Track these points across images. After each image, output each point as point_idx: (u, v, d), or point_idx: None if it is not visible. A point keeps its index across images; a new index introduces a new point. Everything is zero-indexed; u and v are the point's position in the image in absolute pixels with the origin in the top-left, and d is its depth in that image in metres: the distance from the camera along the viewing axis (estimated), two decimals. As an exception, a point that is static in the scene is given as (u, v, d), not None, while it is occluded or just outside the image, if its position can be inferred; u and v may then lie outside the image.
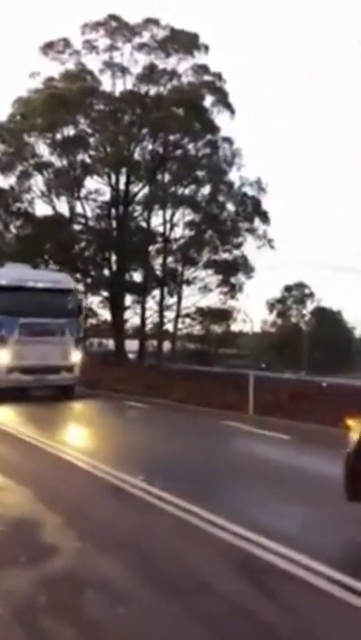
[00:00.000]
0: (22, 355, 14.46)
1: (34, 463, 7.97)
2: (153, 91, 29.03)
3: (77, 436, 10.73)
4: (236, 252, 30.58)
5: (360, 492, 4.82)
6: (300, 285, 53.49)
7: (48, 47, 29.36)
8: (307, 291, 53.91)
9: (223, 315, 32.10)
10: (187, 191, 30.31)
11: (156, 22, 28.84)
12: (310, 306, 55.32)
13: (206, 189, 30.52)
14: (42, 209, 31.52)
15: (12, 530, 5.04)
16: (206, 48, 29.10)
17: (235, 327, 34.34)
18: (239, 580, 4.03)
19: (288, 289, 52.66)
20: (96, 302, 34.76)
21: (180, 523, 5.18)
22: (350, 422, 5.14)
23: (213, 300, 31.56)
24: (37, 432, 9.64)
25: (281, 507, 5.95)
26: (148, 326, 32.64)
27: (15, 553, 4.36)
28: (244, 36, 68.96)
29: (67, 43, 29.41)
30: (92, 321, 41.77)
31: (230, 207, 30.49)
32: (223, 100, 29.28)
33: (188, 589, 3.85)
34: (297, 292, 54.10)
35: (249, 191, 30.24)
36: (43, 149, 29.76)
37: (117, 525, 5.18)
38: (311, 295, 53.91)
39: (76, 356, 15.64)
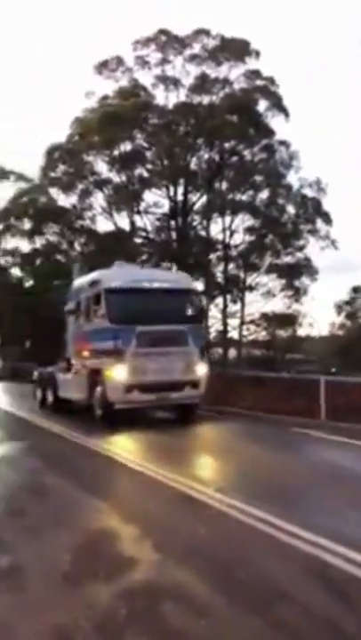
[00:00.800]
0: (142, 369, 12.23)
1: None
2: (206, 100, 29.21)
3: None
4: (299, 255, 30.21)
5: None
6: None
7: (102, 66, 30.14)
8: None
9: (288, 319, 31.70)
10: (245, 197, 30.22)
11: (206, 32, 29.07)
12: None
13: (265, 194, 30.34)
14: (103, 225, 32.35)
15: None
16: (257, 53, 29.06)
17: (301, 332, 33.85)
18: (319, 590, 3.97)
19: (356, 290, 51.23)
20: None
21: (256, 532, 5.16)
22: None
23: (278, 304, 31.27)
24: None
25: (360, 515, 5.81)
26: (213, 334, 32.68)
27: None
28: (295, 38, 68.23)
29: (120, 60, 30.09)
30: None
31: (290, 210, 30.18)
32: (277, 103, 29.09)
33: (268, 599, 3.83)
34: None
35: (309, 193, 29.88)
36: (101, 167, 30.52)
37: (197, 534, 5.20)
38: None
39: (201, 369, 13.16)
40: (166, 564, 4.40)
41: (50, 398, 16.64)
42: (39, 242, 35.01)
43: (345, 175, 70.89)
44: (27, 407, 17.30)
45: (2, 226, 35.96)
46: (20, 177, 35.35)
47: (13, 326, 33.51)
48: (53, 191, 31.65)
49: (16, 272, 40.39)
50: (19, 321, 35.47)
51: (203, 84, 28.85)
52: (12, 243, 37.09)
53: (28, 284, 38.66)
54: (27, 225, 33.92)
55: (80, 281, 15.63)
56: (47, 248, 34.53)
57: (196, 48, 29.16)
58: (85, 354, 13.83)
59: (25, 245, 36.33)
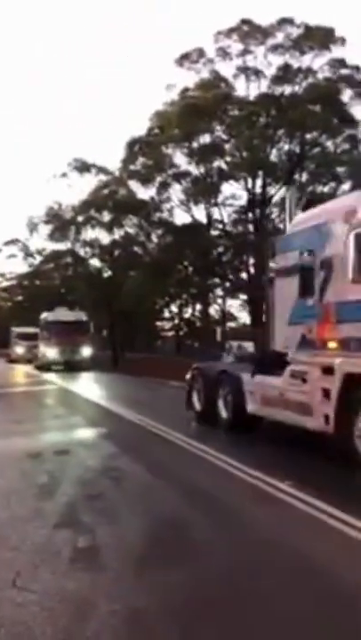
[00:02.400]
0: None
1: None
2: (288, 90, 28.70)
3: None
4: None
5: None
6: None
7: (183, 58, 30.23)
8: None
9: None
10: (326, 189, 29.50)
11: (290, 22, 28.51)
12: None
13: (347, 185, 29.49)
14: (181, 217, 32.61)
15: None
16: (343, 41, 28.17)
17: None
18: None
19: None
20: (235, 306, 35.21)
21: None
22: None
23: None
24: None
25: None
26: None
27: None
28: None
29: (201, 52, 30.06)
30: (232, 324, 42.36)
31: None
32: (362, 92, 28.16)
33: None
34: None
35: (393, 183, 28.80)
36: (180, 159, 30.70)
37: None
38: None
39: None
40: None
41: (224, 414, 10.41)
42: (118, 233, 35.87)
43: None
44: (169, 419, 11.36)
45: (82, 218, 37.06)
46: (101, 170, 36.30)
47: (93, 316, 34.64)
48: (133, 184, 32.25)
49: (95, 263, 41.71)
50: (98, 311, 36.54)
51: (285, 74, 28.35)
52: (91, 234, 38.31)
53: (107, 274, 39.69)
54: (106, 217, 34.81)
55: (309, 216, 9.14)
56: (125, 240, 35.28)
57: (280, 37, 28.67)
58: (333, 344, 7.59)
59: (104, 237, 37.44)
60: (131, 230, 34.66)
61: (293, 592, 3.84)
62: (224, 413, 10.45)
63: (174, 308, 39.39)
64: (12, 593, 3.85)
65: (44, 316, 33.06)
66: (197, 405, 11.53)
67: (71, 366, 29.67)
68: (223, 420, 10.42)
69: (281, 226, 30.11)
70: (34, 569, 4.24)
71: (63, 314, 32.75)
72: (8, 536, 4.94)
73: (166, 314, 41.40)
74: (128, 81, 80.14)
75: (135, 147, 30.80)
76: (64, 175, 36.50)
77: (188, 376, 11.93)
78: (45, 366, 30.73)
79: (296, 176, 29.57)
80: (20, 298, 59.22)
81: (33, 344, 37.28)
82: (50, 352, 30.98)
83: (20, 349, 42.96)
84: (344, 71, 28.34)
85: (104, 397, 16.96)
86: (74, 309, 35.37)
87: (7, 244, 54.88)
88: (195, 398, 11.62)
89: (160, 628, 3.44)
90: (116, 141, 65.38)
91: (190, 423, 11.28)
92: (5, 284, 62.30)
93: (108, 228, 35.19)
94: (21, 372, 31.66)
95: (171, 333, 42.73)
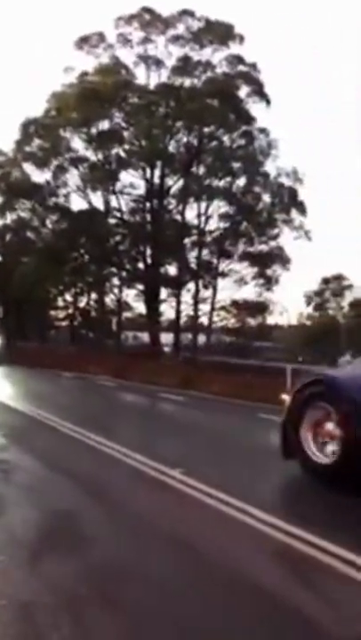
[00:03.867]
0: None
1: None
2: (187, 82, 29.04)
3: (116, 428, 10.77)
4: (273, 244, 30.50)
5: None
6: (339, 277, 52.76)
7: (83, 42, 29.67)
8: (345, 282, 53.14)
9: (259, 307, 32.04)
10: (222, 183, 30.24)
11: (191, 14, 28.84)
12: (349, 297, 54.52)
13: (242, 181, 30.46)
14: (77, 203, 32.02)
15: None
16: (241, 38, 29.01)
17: (271, 320, 34.26)
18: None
19: (326, 281, 51.95)
20: (131, 296, 35.23)
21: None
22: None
23: (249, 292, 31.55)
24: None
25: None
26: (183, 319, 32.81)
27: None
28: (279, 24, 67.94)
29: (101, 37, 29.66)
30: (127, 314, 42.34)
31: (266, 198, 30.42)
32: (259, 90, 29.12)
33: None
34: (335, 284, 53.38)
35: (285, 182, 30.11)
36: (78, 144, 30.15)
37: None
38: (350, 287, 53.12)
39: None
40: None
41: None
42: (10, 217, 34.57)
43: (323, 166, 71.43)
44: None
45: (-27, 199, 35.29)
46: (-6, 150, 34.69)
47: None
48: (27, 166, 31.18)
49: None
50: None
51: (185, 65, 28.69)
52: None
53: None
54: (-2, 199, 33.41)
55: None
56: (18, 224, 34.07)
57: (180, 29, 29.00)
58: None
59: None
60: (24, 214, 33.55)
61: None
62: None
63: (69, 297, 38.69)
64: None
65: None
66: (317, 453, 5.81)
67: None
68: None
69: (178, 217, 30.85)
70: None
71: None
72: None
73: (60, 302, 40.60)
74: (24, 59, 77.04)
75: (31, 128, 29.84)
76: None
77: (287, 397, 6.44)
78: None
79: (194, 168, 30.05)
80: None
81: None
82: None
83: None
84: (242, 68, 29.12)
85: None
86: None
87: None
88: (308, 439, 5.91)
89: (51, 620, 3.34)
90: (11, 121, 62.85)
91: (296, 488, 6.12)
92: None
93: (0, 211, 33.81)
94: None
95: (65, 323, 41.97)
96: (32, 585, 3.76)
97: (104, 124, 29.45)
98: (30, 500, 5.66)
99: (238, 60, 29.19)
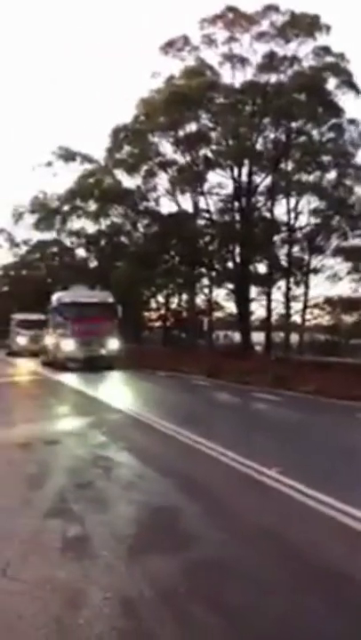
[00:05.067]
0: None
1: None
2: (273, 79, 28.58)
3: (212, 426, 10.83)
4: (367, 238, 29.35)
5: None
6: None
7: (168, 46, 29.98)
8: None
9: (355, 304, 30.97)
10: (311, 178, 29.51)
11: (275, 9, 28.35)
12: None
13: (332, 174, 29.53)
14: (167, 206, 32.49)
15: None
16: (328, 28, 28.09)
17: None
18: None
19: None
20: (222, 295, 35.24)
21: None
22: None
23: (344, 288, 30.59)
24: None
25: None
26: (275, 318, 32.39)
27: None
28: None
29: (186, 40, 29.83)
30: (218, 314, 42.42)
31: (359, 191, 29.30)
32: (347, 80, 28.11)
33: None
34: None
35: (378, 173, 28.87)
36: (166, 147, 30.57)
37: None
38: None
39: None
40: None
41: None
42: (104, 223, 35.65)
43: None
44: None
45: (68, 207, 36.76)
46: (86, 158, 35.93)
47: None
48: (118, 172, 32.00)
49: (81, 252, 41.47)
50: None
51: (270, 62, 28.22)
52: (77, 224, 38.02)
53: (93, 264, 39.48)
54: (92, 206, 34.54)
55: None
56: (111, 229, 35.08)
57: (265, 25, 28.53)
58: None
59: (90, 226, 37.18)
60: (117, 220, 34.48)
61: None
62: None
63: (161, 299, 39.28)
64: (2, 582, 3.81)
65: (58, 296, 25.38)
66: None
67: (94, 364, 22.35)
68: None
69: (267, 215, 30.47)
70: (24, 559, 4.20)
71: (84, 294, 25.55)
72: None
73: (153, 304, 41.32)
74: (113, 68, 79.24)
75: (121, 134, 30.58)
76: (49, 164, 36.07)
77: None
78: (59, 363, 23.33)
79: (282, 165, 29.57)
80: (5, 288, 58.75)
81: (37, 333, 32.86)
82: (66, 345, 23.01)
83: (21, 340, 37.12)
84: (329, 59, 28.30)
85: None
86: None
87: (-9, 233, 54.46)
88: None
89: (153, 614, 3.42)
90: (102, 129, 64.88)
91: None
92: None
93: (94, 217, 34.95)
94: (24, 371, 24.07)
95: (158, 324, 42.66)
96: (134, 579, 3.87)
97: (191, 126, 29.66)
98: (130, 497, 5.81)
99: (325, 51, 28.37)
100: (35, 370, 24.45)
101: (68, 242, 42.24)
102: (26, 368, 25.74)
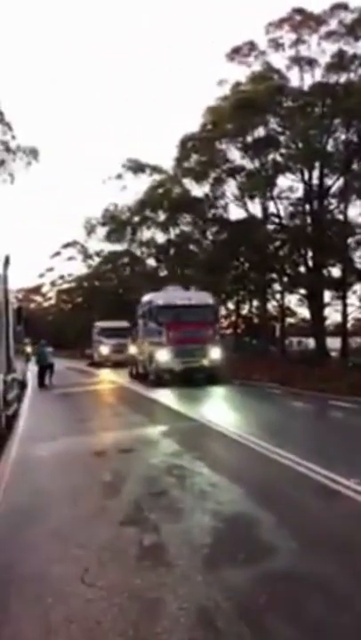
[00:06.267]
0: None
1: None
2: (343, 78, 27.98)
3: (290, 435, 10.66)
4: None
5: None
6: None
7: (234, 52, 30.08)
8: None
9: None
10: (386, 177, 28.59)
11: (344, 7, 27.78)
12: None
13: None
14: (235, 213, 32.44)
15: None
16: None
17: None
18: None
19: None
20: (294, 301, 34.73)
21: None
22: None
23: None
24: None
25: None
26: (351, 322, 31.57)
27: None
28: None
29: (252, 45, 29.80)
30: (291, 320, 41.80)
31: None
32: None
33: None
34: None
35: None
36: (234, 154, 30.55)
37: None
38: None
39: None
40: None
41: None
42: (173, 232, 36.04)
43: None
44: None
45: (138, 218, 37.47)
46: (155, 169, 36.54)
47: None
48: (187, 182, 32.31)
49: (151, 262, 42.08)
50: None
51: (340, 61, 27.65)
52: (147, 234, 38.67)
53: (163, 273, 39.92)
54: (161, 216, 35.03)
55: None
56: (181, 238, 35.40)
57: (333, 24, 27.99)
58: None
59: (160, 236, 37.70)
60: (186, 228, 34.75)
61: None
62: None
63: (231, 305, 39.16)
64: (81, 589, 3.90)
65: (150, 298, 22.20)
66: None
67: (193, 376, 19.53)
68: None
69: (340, 217, 29.77)
70: (101, 566, 4.28)
71: (180, 295, 22.18)
72: (77, 534, 5.02)
73: (223, 311, 41.34)
74: (180, 79, 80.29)
75: (189, 144, 30.84)
76: (119, 176, 36.99)
77: None
78: (157, 375, 20.06)
79: (354, 165, 28.85)
80: (79, 299, 60.49)
81: (120, 342, 31.97)
82: (160, 355, 19.90)
83: (104, 349, 35.17)
84: None
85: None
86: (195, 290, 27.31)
87: (66, 246, 56.38)
88: None
89: (230, 625, 3.40)
90: (169, 140, 65.69)
91: None
92: (65, 285, 63.89)
93: (164, 227, 35.41)
94: (109, 387, 21.74)
95: (229, 331, 42.57)
96: (210, 590, 3.86)
97: (259, 132, 29.49)
98: (205, 506, 5.80)
99: None
100: (122, 384, 22.32)
101: (138, 252, 43.07)
102: (110, 381, 24.01)
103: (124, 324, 32.69)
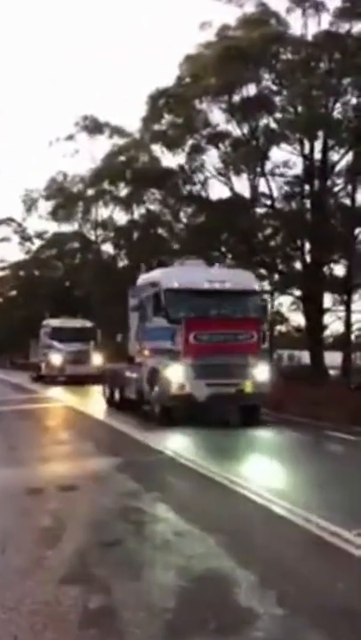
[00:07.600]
0: None
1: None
2: (356, 29, 28.43)
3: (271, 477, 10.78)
4: None
5: None
6: None
7: (223, -13, 30.19)
8: None
9: None
10: None
11: None
12: None
13: None
14: (217, 191, 32.50)
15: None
16: None
17: None
18: None
19: None
20: (286, 304, 35.11)
21: None
22: None
23: None
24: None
25: None
26: (355, 334, 32.04)
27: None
28: None
29: (246, -20, 30.00)
30: (281, 328, 42.22)
31: None
32: None
33: None
34: None
35: None
36: (217, 116, 30.63)
37: None
38: None
39: None
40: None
41: None
42: (137, 212, 36.07)
43: None
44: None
45: (93, 191, 37.35)
46: (116, 130, 36.57)
47: (105, 316, 34.01)
48: (156, 148, 32.34)
49: (108, 249, 42.01)
50: (109, 310, 36.59)
51: (353, 5, 28.06)
52: (104, 212, 38.63)
53: (122, 263, 39.91)
54: (123, 191, 35.01)
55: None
56: (147, 219, 35.41)
57: None
58: None
59: (120, 216, 37.67)
60: (154, 207, 34.79)
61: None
62: None
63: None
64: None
65: (155, 277, 17.67)
66: None
67: (225, 408, 16.72)
68: None
69: (346, 202, 30.23)
70: (35, 635, 4.26)
71: (208, 275, 17.43)
72: (3, 593, 4.98)
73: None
74: (152, 19, 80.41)
75: (160, 101, 30.76)
76: (70, 137, 36.99)
77: None
78: (163, 406, 15.82)
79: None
80: (13, 292, 59.94)
81: (82, 349, 30.76)
82: (175, 372, 15.52)
83: (57, 358, 31.74)
84: None
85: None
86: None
87: (-1, 223, 55.81)
88: None
89: None
90: (137, 96, 65.62)
91: None
92: (-3, 273, 63.23)
93: (126, 204, 35.40)
94: (69, 424, 17.69)
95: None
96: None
97: (250, 90, 29.66)
98: (167, 561, 5.81)
99: None
100: (91, 416, 18.47)
101: (92, 235, 42.97)
102: (68, 411, 20.34)
103: (86, 323, 32.28)
